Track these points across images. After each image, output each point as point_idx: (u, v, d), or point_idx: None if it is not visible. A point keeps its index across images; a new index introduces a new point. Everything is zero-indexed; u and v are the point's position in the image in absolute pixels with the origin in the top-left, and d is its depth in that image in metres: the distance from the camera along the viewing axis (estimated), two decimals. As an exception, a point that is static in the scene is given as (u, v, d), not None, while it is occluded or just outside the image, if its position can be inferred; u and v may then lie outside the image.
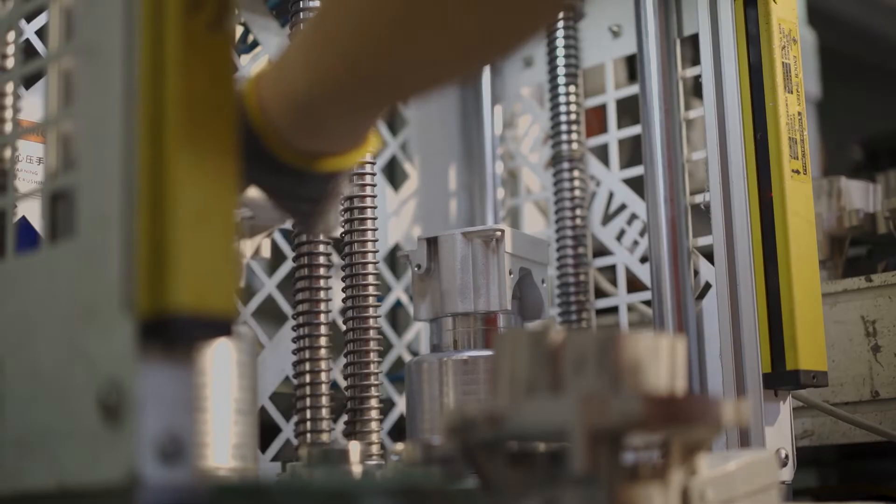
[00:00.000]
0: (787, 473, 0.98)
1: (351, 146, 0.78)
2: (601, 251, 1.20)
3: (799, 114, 1.01)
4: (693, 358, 1.02)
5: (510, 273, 0.98)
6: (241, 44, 1.11)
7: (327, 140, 0.76)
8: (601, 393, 0.59)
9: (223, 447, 0.72)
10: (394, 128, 1.27)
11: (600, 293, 1.21)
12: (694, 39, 1.07)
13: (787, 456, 0.98)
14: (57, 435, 0.59)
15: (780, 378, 0.97)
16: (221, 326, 0.57)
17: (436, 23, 0.66)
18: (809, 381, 0.97)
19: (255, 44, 1.10)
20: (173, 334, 0.55)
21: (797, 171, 0.99)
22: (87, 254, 0.59)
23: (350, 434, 0.99)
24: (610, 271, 1.21)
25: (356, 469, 0.70)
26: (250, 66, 1.08)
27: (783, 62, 1.00)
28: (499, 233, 0.97)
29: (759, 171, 1.00)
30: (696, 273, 1.05)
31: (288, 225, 0.96)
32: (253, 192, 0.78)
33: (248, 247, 0.96)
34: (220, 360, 0.73)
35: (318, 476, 0.55)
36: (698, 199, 1.06)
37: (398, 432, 1.13)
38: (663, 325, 1.03)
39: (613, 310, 1.19)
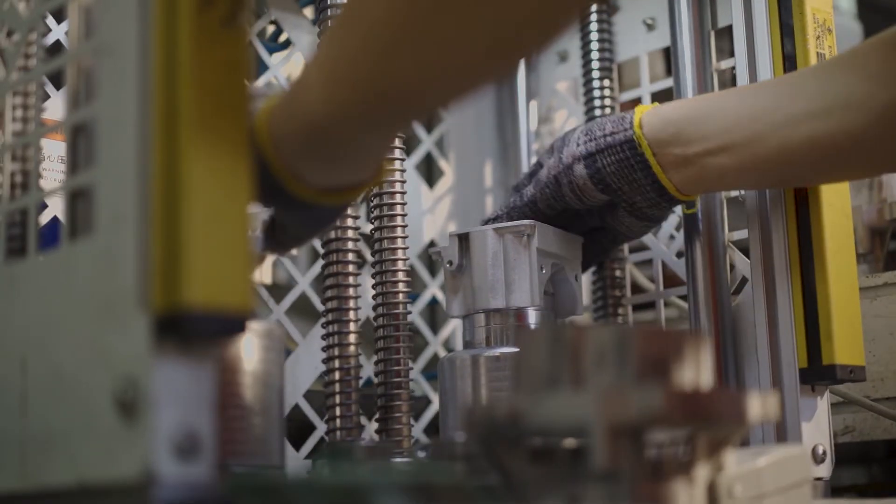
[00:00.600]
0: (825, 470, 0.96)
1: (363, 177, 0.78)
2: (637, 246, 1.19)
3: (835, 104, 0.99)
4: (729, 353, 1.01)
5: (541, 269, 0.97)
6: (272, 42, 1.10)
7: (340, 169, 0.76)
8: (622, 387, 0.58)
9: (244, 444, 0.72)
10: (429, 125, 1.27)
11: (637, 289, 1.20)
12: (728, 31, 1.06)
13: (824, 452, 0.96)
14: (76, 432, 0.59)
15: (817, 373, 0.95)
16: (235, 323, 0.57)
17: (442, 35, 0.65)
18: (846, 376, 0.95)
19: (287, 42, 1.10)
20: (188, 331, 0.55)
21: (833, 163, 0.98)
22: (104, 251, 0.59)
23: (381, 431, 0.99)
24: (647, 266, 1.20)
25: (380, 465, 0.70)
26: (282, 64, 1.08)
27: (818, 52, 0.98)
28: (529, 228, 0.96)
29: (795, 163, 0.98)
30: (732, 267, 1.04)
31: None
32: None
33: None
34: (244, 356, 0.73)
35: (335, 472, 0.55)
36: (734, 192, 1.04)
37: (434, 429, 1.13)
38: (699, 321, 1.02)
39: (650, 305, 1.18)
